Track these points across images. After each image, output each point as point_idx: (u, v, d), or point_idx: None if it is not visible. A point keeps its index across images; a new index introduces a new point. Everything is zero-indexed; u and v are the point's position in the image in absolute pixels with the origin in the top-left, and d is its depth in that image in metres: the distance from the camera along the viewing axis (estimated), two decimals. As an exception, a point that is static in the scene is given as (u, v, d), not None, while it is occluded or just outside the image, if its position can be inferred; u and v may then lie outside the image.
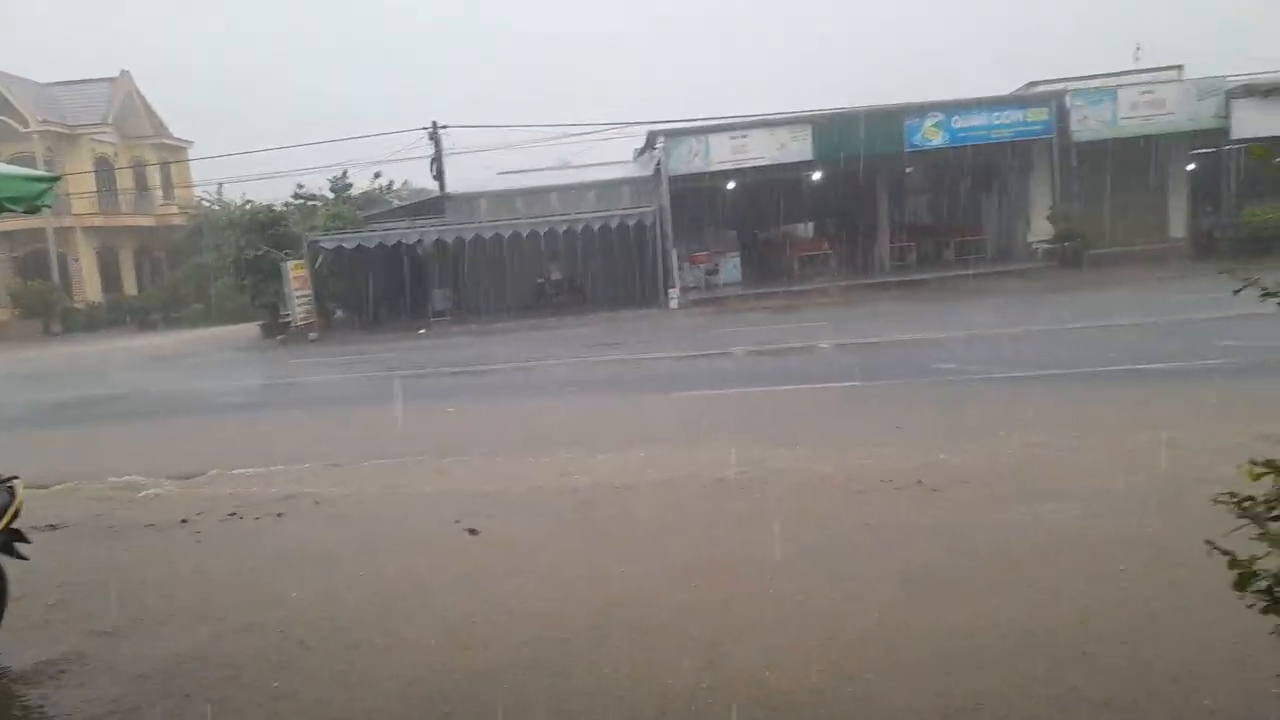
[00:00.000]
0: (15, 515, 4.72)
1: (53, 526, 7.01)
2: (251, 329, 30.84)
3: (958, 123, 26.31)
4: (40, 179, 5.16)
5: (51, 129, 42.24)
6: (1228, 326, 12.97)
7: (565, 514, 6.52)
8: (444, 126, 32.67)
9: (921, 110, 26.42)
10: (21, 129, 41.01)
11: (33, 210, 5.24)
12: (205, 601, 5.25)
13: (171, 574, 5.82)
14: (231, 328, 34.13)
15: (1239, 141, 24.66)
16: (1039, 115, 26.26)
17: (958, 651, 3.89)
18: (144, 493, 8.13)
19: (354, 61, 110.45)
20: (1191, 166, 28.27)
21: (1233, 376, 10.06)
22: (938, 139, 26.40)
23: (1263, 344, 11.38)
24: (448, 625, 4.62)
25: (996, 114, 26.42)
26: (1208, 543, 2.17)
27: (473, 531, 6.22)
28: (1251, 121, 24.41)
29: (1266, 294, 2.09)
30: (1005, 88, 30.29)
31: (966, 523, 5.61)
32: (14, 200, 4.93)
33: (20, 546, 4.83)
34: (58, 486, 8.50)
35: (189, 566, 5.95)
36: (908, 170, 32.60)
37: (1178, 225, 28.18)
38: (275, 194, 43.80)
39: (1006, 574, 4.74)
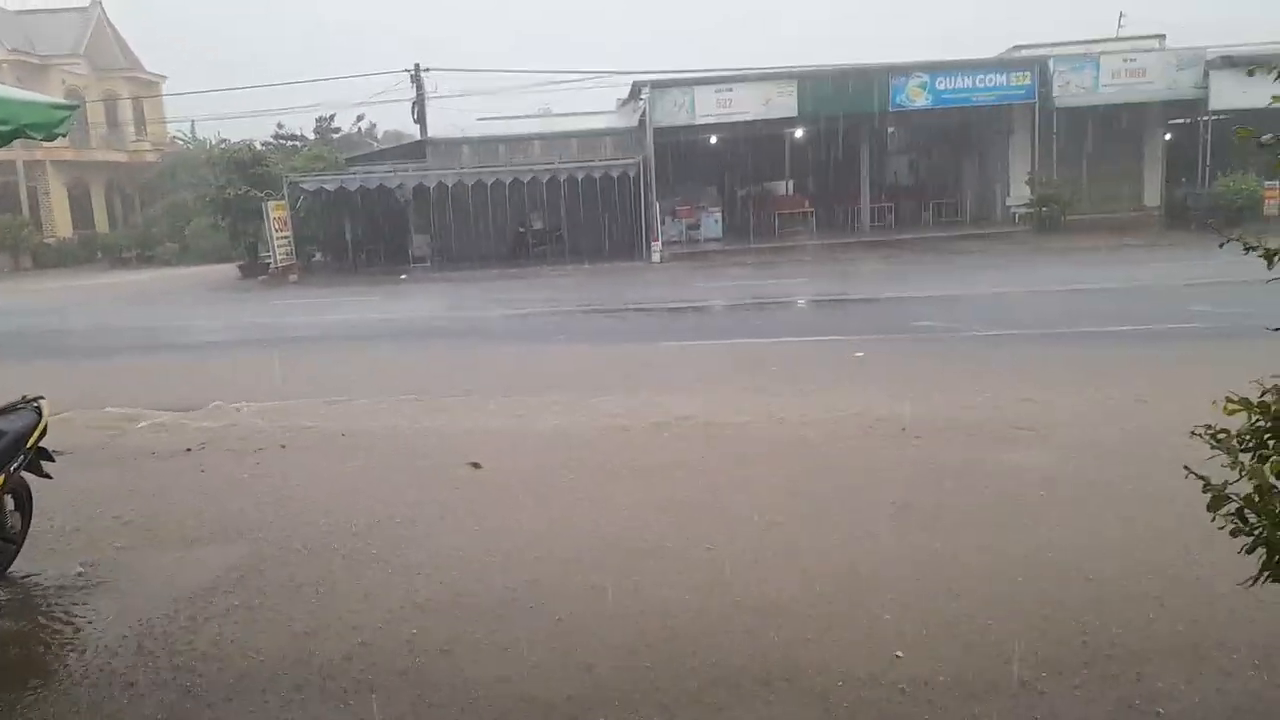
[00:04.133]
0: (42, 434, 4.89)
1: (57, 452, 7.14)
2: (229, 269, 30.62)
3: (942, 84, 26.43)
4: (61, 106, 5.24)
5: (21, 59, 41.23)
6: (1198, 293, 13.42)
7: (558, 452, 6.77)
8: (426, 69, 32.42)
9: (906, 70, 26.51)
10: (-11, 58, 40.01)
11: (50, 138, 5.30)
12: (216, 522, 5.47)
13: (181, 498, 6.02)
14: (209, 267, 33.83)
15: (1216, 112, 25.05)
16: (1022, 79, 26.44)
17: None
18: (144, 423, 8.28)
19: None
20: (1168, 136, 28.66)
21: (1201, 339, 10.46)
22: (921, 100, 26.54)
23: (1231, 310, 11.80)
24: (450, 548, 4.88)
25: (980, 77, 26.57)
26: (1185, 468, 2.43)
27: (475, 465, 6.46)
28: (1229, 93, 24.71)
29: (1249, 247, 2.34)
30: (989, 52, 30.43)
31: (944, 464, 5.93)
32: (35, 127, 5.00)
33: (46, 466, 5.02)
34: (54, 416, 8.60)
35: (195, 493, 6.15)
36: (890, 130, 32.76)
37: (1153, 193, 28.62)
38: (251, 133, 43.13)
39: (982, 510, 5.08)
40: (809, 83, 26.49)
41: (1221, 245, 2.46)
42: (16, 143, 5.57)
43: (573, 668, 3.57)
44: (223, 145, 38.24)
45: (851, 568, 4.38)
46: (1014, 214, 27.82)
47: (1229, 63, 25.13)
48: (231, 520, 5.50)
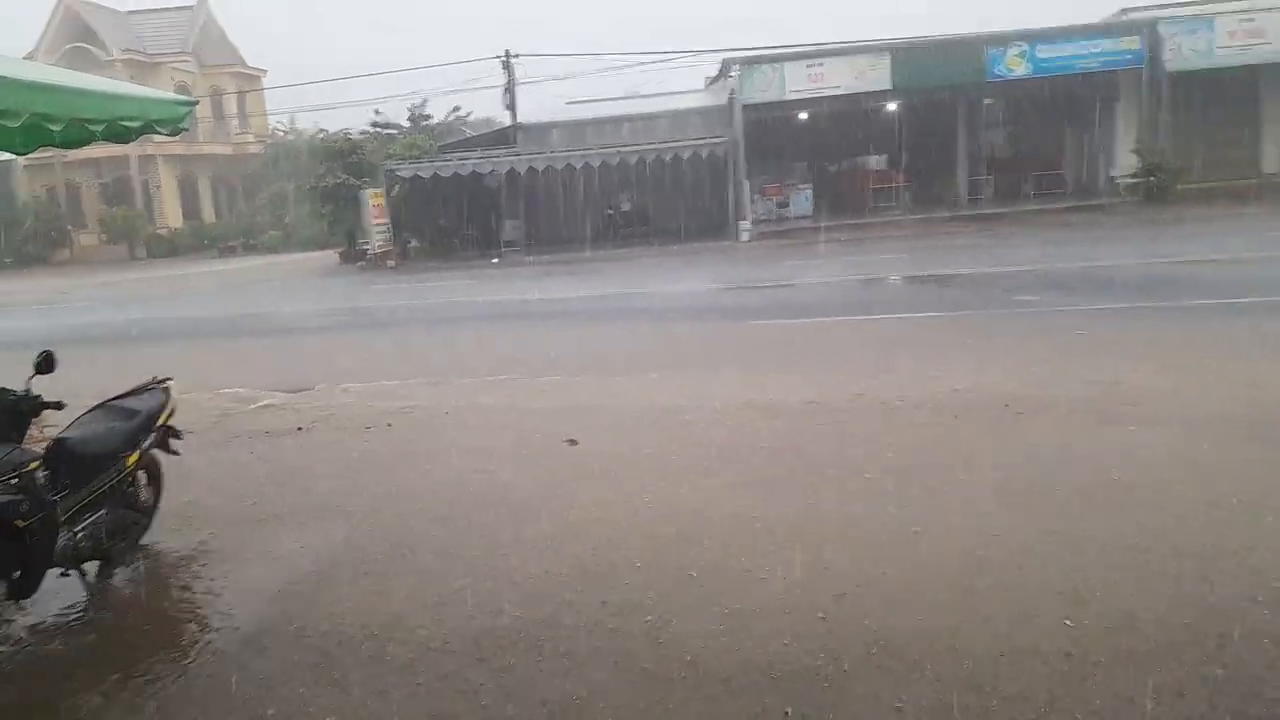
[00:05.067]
0: (170, 414, 5.17)
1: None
2: (330, 256, 31.61)
3: (1042, 52, 25.46)
4: (182, 102, 5.49)
5: (134, 58, 43.17)
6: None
7: (660, 430, 6.82)
8: (516, 55, 32.70)
9: (1004, 39, 25.61)
10: (105, 57, 41.93)
11: (174, 132, 5.56)
12: (330, 496, 5.69)
13: (295, 474, 6.28)
14: (310, 254, 35.01)
15: (1344, 72, 23.55)
16: (1130, 44, 25.28)
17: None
18: (256, 404, 8.64)
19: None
20: (1290, 99, 27.08)
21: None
22: (1020, 69, 25.62)
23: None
24: (558, 520, 4.98)
25: (1084, 43, 25.48)
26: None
27: (572, 442, 6.56)
28: (1357, 50, 23.25)
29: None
30: (1094, 17, 29.18)
31: (1055, 444, 5.78)
32: (161, 122, 5.25)
33: (173, 443, 5.29)
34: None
35: (311, 468, 6.40)
36: (987, 101, 31.74)
37: (1272, 160, 27.10)
38: (347, 123, 44.36)
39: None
40: (903, 55, 25.85)
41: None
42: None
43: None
44: (321, 135, 39.38)
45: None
46: (1119, 185, 26.69)
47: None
48: (346, 495, 5.72)
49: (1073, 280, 14.12)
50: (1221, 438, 5.65)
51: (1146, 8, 27.28)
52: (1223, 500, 4.63)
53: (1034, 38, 25.48)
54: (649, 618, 3.81)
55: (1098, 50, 25.42)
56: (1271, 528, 4.27)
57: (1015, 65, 25.55)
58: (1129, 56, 25.29)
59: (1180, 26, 24.96)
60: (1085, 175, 29.37)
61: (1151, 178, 24.89)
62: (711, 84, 32.99)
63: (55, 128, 4.47)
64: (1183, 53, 24.84)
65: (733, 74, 26.51)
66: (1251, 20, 24.82)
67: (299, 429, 7.54)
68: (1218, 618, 3.49)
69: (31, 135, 4.98)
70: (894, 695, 3.15)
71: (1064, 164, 30.26)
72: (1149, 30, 25.12)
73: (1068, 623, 3.53)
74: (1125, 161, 26.48)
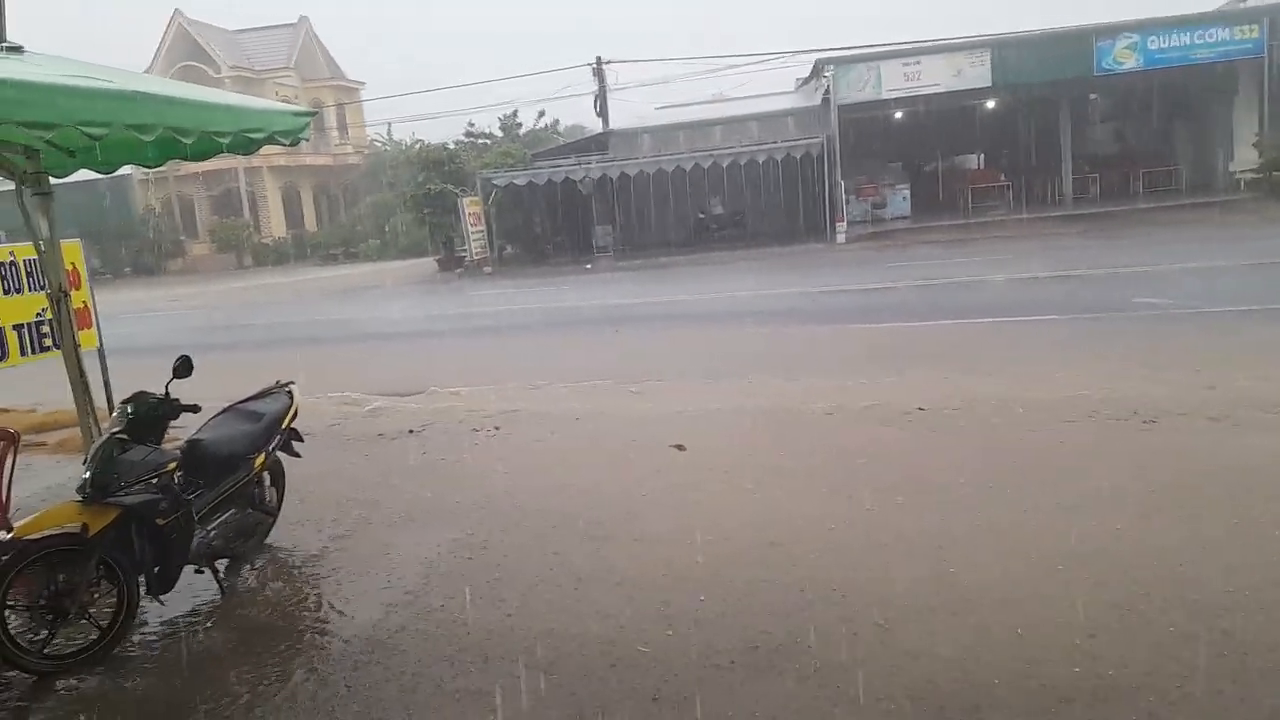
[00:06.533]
0: (294, 416, 5.29)
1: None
2: (428, 263, 32.29)
3: (1154, 44, 24.44)
4: (301, 113, 5.62)
5: (241, 73, 44.97)
6: None
7: (765, 437, 6.70)
8: (608, 62, 32.92)
9: (1113, 31, 24.66)
10: (214, 74, 43.78)
11: (294, 142, 5.69)
12: (444, 498, 5.75)
13: (414, 476, 6.37)
14: (409, 262, 35.84)
15: None
16: (1248, 33, 24.05)
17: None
18: (369, 407, 8.82)
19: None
20: None
21: None
22: (1131, 62, 24.63)
23: None
24: (668, 522, 4.93)
25: (1199, 32, 24.36)
26: None
27: (679, 447, 6.50)
28: None
29: None
30: (1210, 4, 27.88)
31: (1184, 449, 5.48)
32: (284, 133, 5.38)
33: (296, 446, 5.42)
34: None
35: (424, 471, 6.49)
36: (1093, 96, 30.66)
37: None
38: (442, 133, 45.34)
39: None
40: (1004, 50, 25.13)
41: None
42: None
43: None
44: (418, 145, 40.28)
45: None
46: (1239, 180, 25.41)
47: None
48: (460, 496, 5.77)
49: (1195, 282, 13.45)
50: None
51: (1267, -6, 25.88)
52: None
53: (1146, 28, 24.49)
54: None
55: (1214, 40, 24.29)
56: None
57: (1125, 58, 24.59)
58: (1249, 45, 24.07)
59: (1305, 13, 23.65)
60: (1201, 171, 28.04)
61: (1275, 173, 23.61)
62: (803, 85, 32.68)
63: (187, 140, 4.60)
64: (1307, 41, 23.54)
65: (826, 74, 26.17)
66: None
67: (410, 432, 7.66)
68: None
69: (163, 148, 5.13)
70: None
71: (1177, 159, 28.99)
72: (1270, 18, 23.86)
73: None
74: (1244, 156, 25.22)
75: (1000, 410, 6.79)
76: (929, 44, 26.15)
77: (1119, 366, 8.04)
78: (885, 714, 3.10)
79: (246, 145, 5.19)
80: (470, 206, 28.03)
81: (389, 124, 50.93)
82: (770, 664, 3.46)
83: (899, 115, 28.87)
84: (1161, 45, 24.38)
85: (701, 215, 30.52)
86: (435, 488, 6.04)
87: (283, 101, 37.89)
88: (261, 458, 4.91)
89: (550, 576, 4.43)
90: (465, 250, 28.93)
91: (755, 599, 4.01)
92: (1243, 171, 25.25)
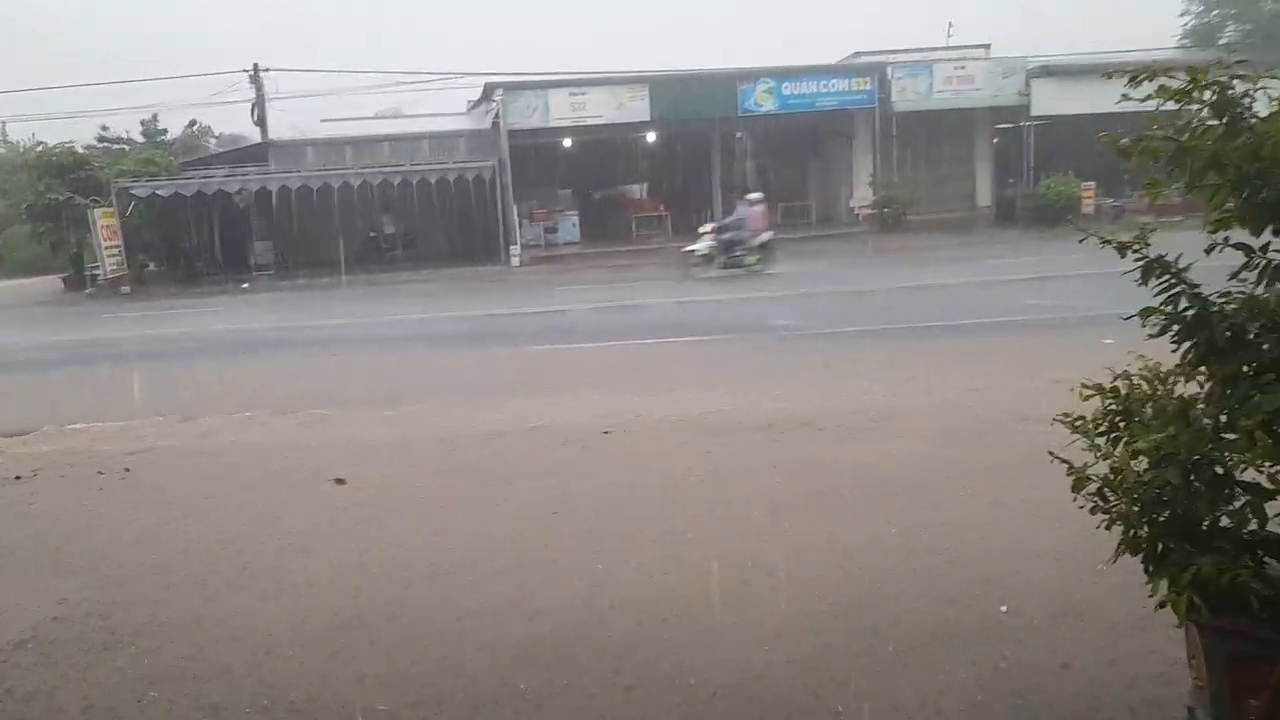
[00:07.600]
0: None
1: None
2: (52, 282, 28.46)
3: (788, 89, 27.27)
4: None
5: None
6: (1028, 288, 14.31)
7: (435, 461, 6.55)
8: (266, 69, 31.03)
9: (754, 75, 27.22)
10: None
11: None
12: (49, 554, 5.01)
13: (7, 532, 5.50)
14: (27, 280, 31.36)
15: (1037, 118, 26.82)
16: (863, 85, 27.54)
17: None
18: (-43, 451, 7.54)
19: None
20: (996, 140, 30.48)
21: (1034, 331, 11.11)
22: (769, 104, 27.31)
23: (1059, 302, 12.60)
24: (327, 561, 4.63)
25: (824, 82, 27.54)
26: (1050, 453, 2.54)
27: (339, 481, 6.16)
28: (1048, 99, 26.59)
29: (1104, 241, 2.45)
30: (831, 57, 31.57)
31: (811, 458, 6.06)
32: None
33: None
34: None
35: (26, 524, 5.62)
36: (738, 135, 33.52)
37: (984, 194, 30.39)
38: (73, 136, 40.21)
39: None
40: (660, 87, 26.85)
41: (1081, 240, 2.59)
42: None
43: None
44: (39, 148, 35.51)
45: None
46: (858, 214, 28.94)
47: (1047, 72, 27.08)
48: (68, 551, 5.04)
49: (820, 307, 15.05)
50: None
51: (877, 52, 29.74)
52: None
53: (779, 75, 27.25)
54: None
55: (836, 89, 27.56)
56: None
57: (764, 101, 27.20)
58: (863, 96, 27.54)
59: (905, 71, 27.54)
60: (829, 205, 31.58)
61: (885, 209, 27.21)
62: (474, 107, 32.74)
63: None
64: (908, 94, 27.40)
65: (496, 98, 26.45)
66: (963, 68, 27.83)
67: (17, 478, 6.62)
68: None
69: None
70: None
71: (810, 195, 32.43)
72: (879, 73, 27.51)
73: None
74: (862, 193, 28.80)
75: (655, 427, 7.14)
76: (594, 75, 27.27)
77: (756, 383, 8.75)
78: None
79: None
80: (104, 219, 25.04)
81: (3, 122, 44.42)
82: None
83: (568, 143, 29.78)
84: (794, 91, 27.27)
85: (372, 234, 29.54)
86: (39, 542, 5.24)
87: None
88: None
89: (165, 642, 3.96)
90: (98, 268, 25.79)
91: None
92: (861, 207, 28.82)
